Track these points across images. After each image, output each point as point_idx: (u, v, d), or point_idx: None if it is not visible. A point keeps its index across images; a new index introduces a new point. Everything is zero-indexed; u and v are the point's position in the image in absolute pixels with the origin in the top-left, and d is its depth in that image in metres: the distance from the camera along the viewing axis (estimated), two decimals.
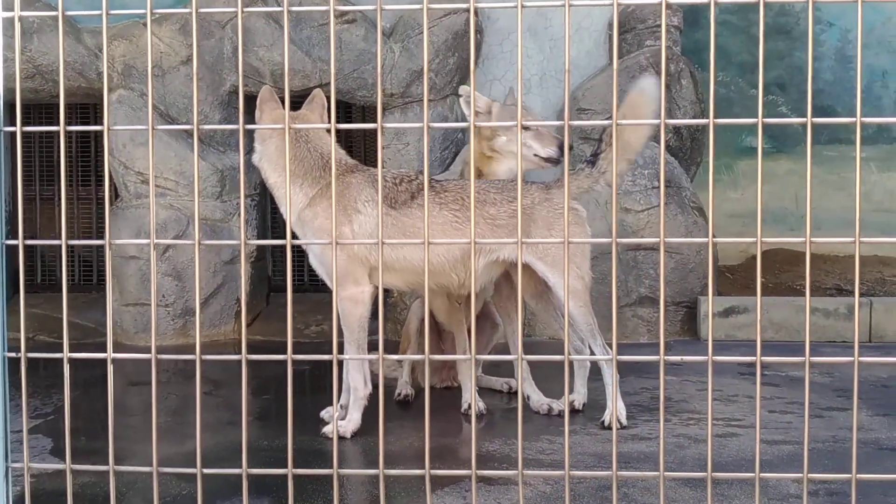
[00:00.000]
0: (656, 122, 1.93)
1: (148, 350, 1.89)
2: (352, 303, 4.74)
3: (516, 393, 5.40)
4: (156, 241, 1.89)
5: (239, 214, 7.34)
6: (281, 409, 5.39)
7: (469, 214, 4.91)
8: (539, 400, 5.24)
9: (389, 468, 2.02)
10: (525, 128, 5.13)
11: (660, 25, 7.45)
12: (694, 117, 7.48)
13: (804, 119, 1.83)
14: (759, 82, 1.84)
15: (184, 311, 7.24)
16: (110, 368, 1.97)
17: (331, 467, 1.93)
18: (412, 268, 4.79)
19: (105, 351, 2.04)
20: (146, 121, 7.12)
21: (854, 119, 1.82)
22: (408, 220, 4.79)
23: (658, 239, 1.76)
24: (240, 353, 1.97)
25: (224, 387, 5.92)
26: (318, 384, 6.07)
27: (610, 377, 4.95)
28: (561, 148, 5.11)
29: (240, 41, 1.79)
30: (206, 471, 1.94)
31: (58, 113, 7.92)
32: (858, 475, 1.81)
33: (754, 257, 8.58)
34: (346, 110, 8.03)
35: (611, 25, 7.63)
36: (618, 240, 1.82)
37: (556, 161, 5.14)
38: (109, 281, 1.96)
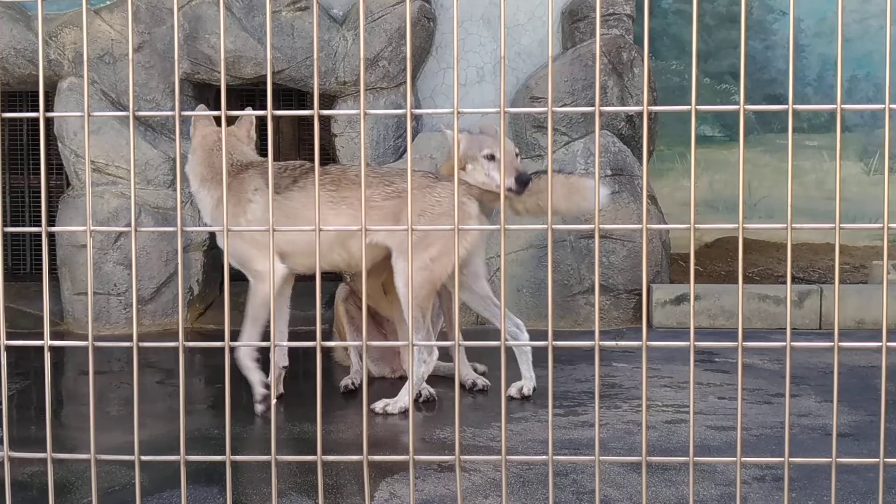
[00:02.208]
0: (590, 109, 1.94)
1: (97, 339, 1.87)
2: (258, 280, 5.08)
3: (472, 384, 5.41)
4: (92, 228, 1.88)
5: (191, 203, 7.31)
6: (235, 397, 5.38)
7: (344, 195, 5.02)
8: (467, 374, 5.38)
9: (331, 455, 2.03)
10: (491, 157, 5.21)
11: (613, 14, 7.50)
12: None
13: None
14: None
15: (138, 300, 7.18)
16: (47, 356, 1.95)
17: (273, 454, 1.93)
18: (301, 251, 4.99)
19: (57, 339, 2.02)
20: (96, 108, 7.05)
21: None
22: (288, 202, 5.04)
23: (593, 226, 1.77)
24: (191, 341, 1.96)
25: (177, 376, 5.89)
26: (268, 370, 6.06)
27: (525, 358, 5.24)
28: (519, 180, 5.09)
29: (176, 30, 1.78)
30: (143, 458, 1.93)
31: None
32: (791, 458, 1.84)
33: (707, 245, 8.65)
34: (300, 98, 8.01)
35: (564, 14, 7.65)
36: (554, 227, 1.83)
37: (515, 192, 5.11)
38: (46, 267, 1.94)
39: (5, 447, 2.00)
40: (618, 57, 7.41)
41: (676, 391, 5.30)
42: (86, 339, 1.88)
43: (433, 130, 7.39)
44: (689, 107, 1.75)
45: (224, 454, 2.06)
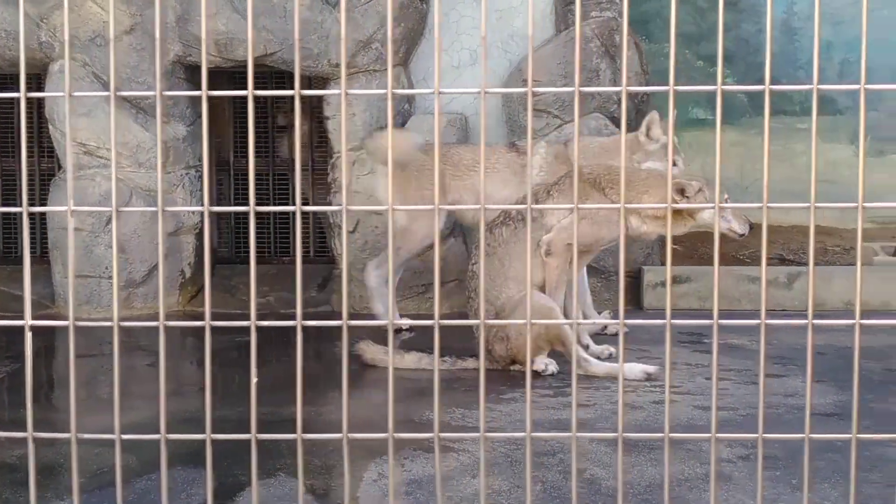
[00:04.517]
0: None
1: (85, 321, 1.88)
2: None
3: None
4: (74, 208, 1.89)
5: (182, 186, 7.32)
6: (226, 380, 5.41)
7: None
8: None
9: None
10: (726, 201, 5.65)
11: None
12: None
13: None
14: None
15: (127, 283, 7.20)
16: (28, 336, 1.96)
17: (247, 433, 1.95)
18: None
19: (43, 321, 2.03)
20: (89, 91, 7.04)
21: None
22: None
23: (572, 205, 1.78)
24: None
25: (167, 358, 5.90)
26: (263, 355, 6.07)
27: None
28: (750, 225, 5.56)
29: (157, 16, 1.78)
30: (123, 437, 1.95)
31: None
32: (764, 435, 1.86)
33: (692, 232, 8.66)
34: (290, 80, 7.99)
35: None
36: (533, 206, 1.84)
37: (740, 235, 5.61)
38: (27, 247, 1.95)
39: None
40: (610, 39, 7.41)
41: (664, 371, 5.32)
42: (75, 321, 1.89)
43: (426, 113, 7.40)
44: (667, 87, 1.76)
45: (216, 434, 2.07)
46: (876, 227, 8.38)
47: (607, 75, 7.35)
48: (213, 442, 2.03)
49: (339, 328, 1.91)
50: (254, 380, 1.83)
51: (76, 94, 1.93)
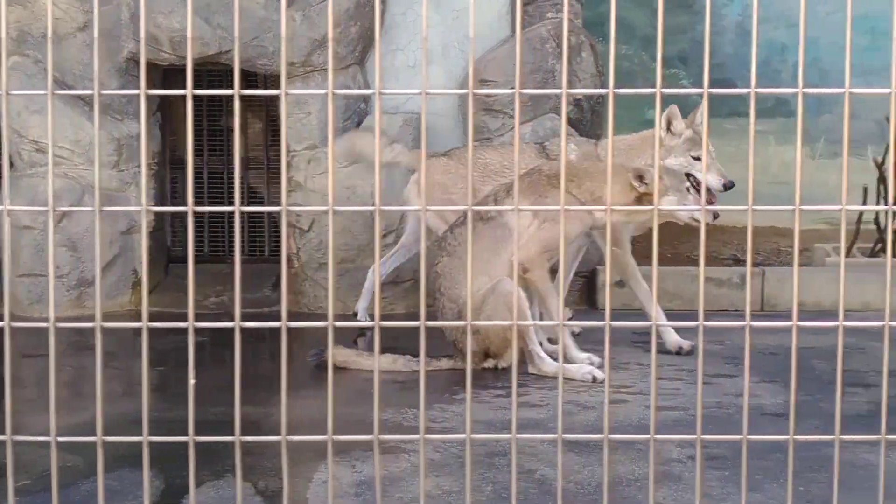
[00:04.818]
0: (510, 91, 1.95)
1: (35, 320, 1.86)
2: None
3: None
4: (9, 207, 1.86)
5: (136, 184, 7.26)
6: (179, 380, 5.36)
7: None
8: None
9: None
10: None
11: None
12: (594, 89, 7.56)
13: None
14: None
15: (79, 282, 7.13)
16: None
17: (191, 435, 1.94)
18: None
19: None
20: (41, 88, 6.97)
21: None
22: None
23: (512, 207, 1.78)
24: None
25: (119, 358, 5.87)
26: (217, 355, 6.05)
27: None
28: (716, 215, 5.32)
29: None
30: (60, 439, 1.92)
31: None
32: (702, 436, 1.86)
33: (652, 228, 8.69)
34: (247, 79, 7.95)
35: None
36: (474, 207, 1.84)
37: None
38: None
39: None
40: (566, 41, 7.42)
41: (617, 372, 5.35)
42: (21, 320, 1.86)
43: (382, 112, 7.38)
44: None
45: (153, 437, 2.05)
46: (829, 228, 8.45)
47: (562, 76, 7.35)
48: (164, 443, 2.01)
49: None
50: (191, 381, 1.81)
51: (13, 92, 1.91)
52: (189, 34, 1.74)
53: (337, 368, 5.34)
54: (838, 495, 3.60)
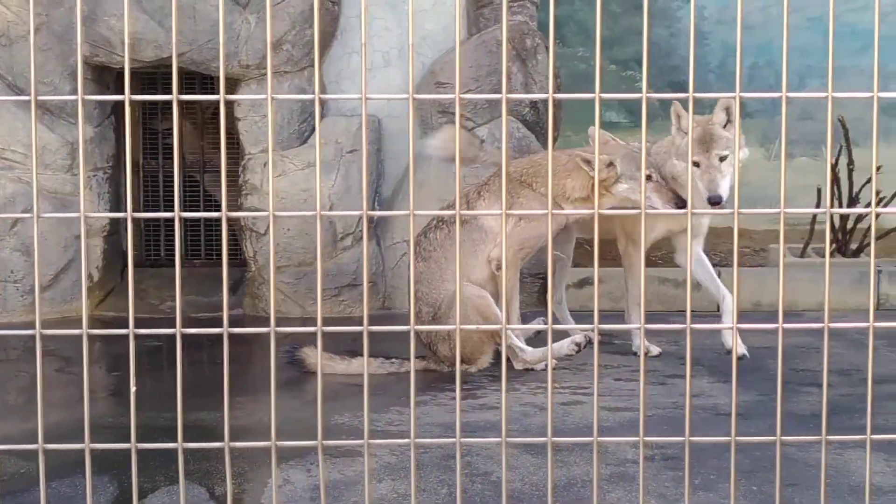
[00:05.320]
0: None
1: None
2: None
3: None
4: None
5: (90, 188, 7.20)
6: (137, 385, 5.31)
7: None
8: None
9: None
10: (648, 178, 5.36)
11: (517, 0, 7.53)
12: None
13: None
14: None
15: (33, 288, 7.05)
16: None
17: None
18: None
19: None
20: None
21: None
22: None
23: (454, 212, 1.79)
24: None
25: (76, 363, 5.81)
26: (172, 360, 6.00)
27: None
28: (677, 203, 5.29)
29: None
30: (1, 447, 1.90)
31: None
32: (645, 437, 1.87)
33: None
34: (203, 82, 7.91)
35: (469, 0, 7.66)
36: (416, 212, 1.84)
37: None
38: None
39: None
40: (522, 43, 7.45)
41: (574, 373, 5.36)
42: None
43: (338, 115, 7.37)
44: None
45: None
46: (786, 228, 8.52)
47: (518, 79, 7.38)
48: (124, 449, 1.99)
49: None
50: (132, 388, 1.80)
51: None
52: (126, 39, 1.73)
53: (310, 373, 5.33)
54: (793, 494, 3.64)
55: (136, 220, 7.81)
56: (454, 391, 5.07)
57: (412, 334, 1.97)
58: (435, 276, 5.47)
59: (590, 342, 5.26)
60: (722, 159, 5.43)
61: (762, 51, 9.40)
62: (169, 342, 6.16)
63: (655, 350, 5.79)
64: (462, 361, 5.42)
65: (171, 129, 7.94)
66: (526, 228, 5.41)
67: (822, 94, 1.91)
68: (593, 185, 5.33)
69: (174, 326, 1.96)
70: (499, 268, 5.44)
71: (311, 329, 1.87)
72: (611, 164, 5.34)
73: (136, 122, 7.87)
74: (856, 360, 5.49)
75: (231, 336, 2.14)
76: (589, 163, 5.32)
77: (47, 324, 7.17)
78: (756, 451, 3.94)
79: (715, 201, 5.35)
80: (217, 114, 7.88)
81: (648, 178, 5.39)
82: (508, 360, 5.36)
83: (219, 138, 7.89)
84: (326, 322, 2.14)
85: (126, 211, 1.69)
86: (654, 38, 9.20)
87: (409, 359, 5.38)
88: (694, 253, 5.46)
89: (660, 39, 9.35)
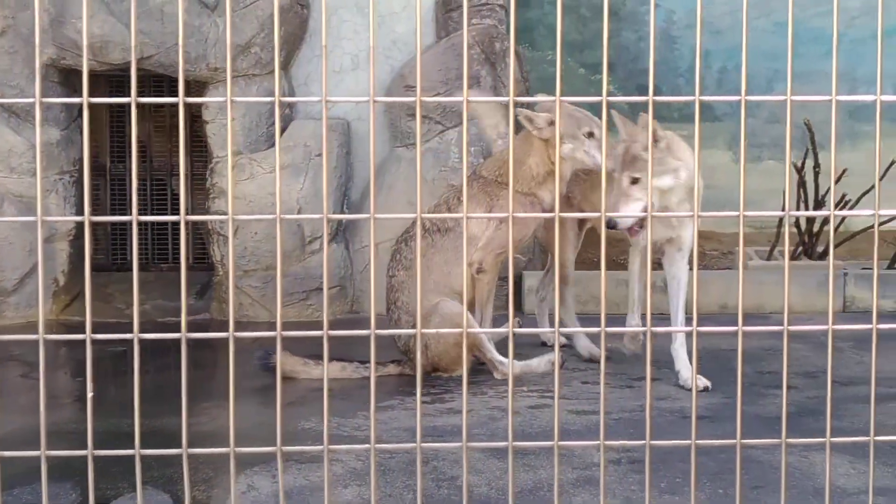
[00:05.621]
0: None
1: None
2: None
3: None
4: None
5: (57, 191, 7.14)
6: (101, 391, 5.28)
7: None
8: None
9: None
10: (591, 134, 5.34)
11: (486, 4, 7.53)
12: (518, 96, 7.58)
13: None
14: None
15: None
16: None
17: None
18: None
19: None
20: None
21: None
22: None
23: (424, 215, 1.77)
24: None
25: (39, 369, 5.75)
26: (152, 363, 5.97)
27: None
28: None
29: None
30: None
31: None
32: (606, 441, 1.87)
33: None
34: (171, 85, 7.87)
35: (438, 3, 7.65)
36: (376, 216, 1.83)
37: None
38: None
39: None
40: (490, 47, 7.45)
41: (543, 376, 5.36)
42: None
43: (307, 118, 7.35)
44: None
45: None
46: (752, 231, 8.56)
47: (488, 82, 7.38)
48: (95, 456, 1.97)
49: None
50: (90, 394, 1.77)
51: None
52: (84, 41, 1.71)
53: (284, 378, 5.28)
54: (760, 496, 3.65)
55: (103, 224, 7.77)
56: (425, 396, 5.07)
57: (372, 338, 1.95)
58: (414, 284, 5.43)
59: (563, 363, 5.29)
60: (634, 182, 5.02)
61: (731, 55, 9.42)
62: (147, 345, 6.10)
63: (703, 383, 5.15)
64: (437, 369, 5.41)
65: (140, 132, 7.93)
66: (504, 229, 5.38)
67: (782, 97, 1.91)
68: (549, 155, 5.33)
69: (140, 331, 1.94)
70: (479, 271, 5.43)
71: (272, 333, 1.85)
72: (552, 123, 5.28)
73: (103, 126, 7.83)
74: (822, 362, 5.50)
75: (198, 341, 2.12)
76: (531, 120, 5.32)
77: (12, 329, 7.12)
78: (721, 454, 3.95)
79: (609, 226, 5.03)
80: (187, 117, 7.84)
81: (591, 134, 5.34)
82: (483, 365, 5.36)
83: (187, 142, 7.88)
84: (293, 326, 2.12)
85: (100, 214, 1.67)
86: (622, 43, 9.22)
87: (384, 363, 5.39)
88: (676, 269, 5.45)
89: (629, 43, 9.35)
